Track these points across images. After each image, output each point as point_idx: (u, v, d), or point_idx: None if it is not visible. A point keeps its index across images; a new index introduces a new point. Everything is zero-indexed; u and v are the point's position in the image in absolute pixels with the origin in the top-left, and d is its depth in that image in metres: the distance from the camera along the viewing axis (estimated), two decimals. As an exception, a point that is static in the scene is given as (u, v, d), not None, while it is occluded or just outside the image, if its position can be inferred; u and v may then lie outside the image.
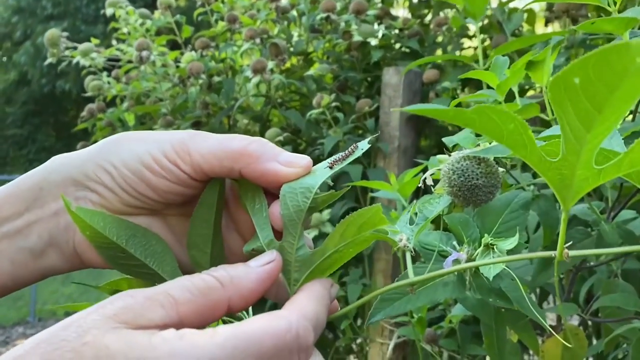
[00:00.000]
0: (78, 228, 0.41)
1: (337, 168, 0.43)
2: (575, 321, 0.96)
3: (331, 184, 0.43)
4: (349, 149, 0.45)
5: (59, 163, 0.44)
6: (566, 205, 0.40)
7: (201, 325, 0.34)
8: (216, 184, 0.44)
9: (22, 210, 0.43)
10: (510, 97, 0.70)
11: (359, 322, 1.45)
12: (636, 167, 0.38)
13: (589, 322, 1.01)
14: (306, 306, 0.36)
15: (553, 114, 0.64)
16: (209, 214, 0.43)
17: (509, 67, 0.66)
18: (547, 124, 0.72)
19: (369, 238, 0.42)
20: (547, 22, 1.53)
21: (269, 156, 0.41)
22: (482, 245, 0.51)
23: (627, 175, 0.44)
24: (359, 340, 1.52)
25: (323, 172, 0.43)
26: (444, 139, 0.60)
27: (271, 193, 0.43)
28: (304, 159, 0.42)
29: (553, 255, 0.43)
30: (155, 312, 0.33)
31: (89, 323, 0.31)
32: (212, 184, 0.44)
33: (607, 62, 0.29)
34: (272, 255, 0.39)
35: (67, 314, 5.25)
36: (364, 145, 0.45)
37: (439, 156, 0.53)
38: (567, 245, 0.43)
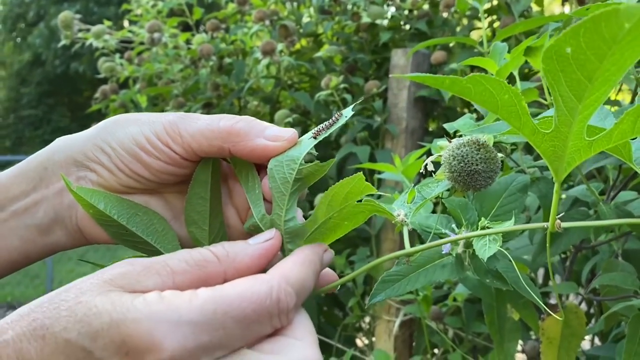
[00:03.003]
0: (82, 207, 0.43)
1: (321, 137, 0.44)
2: (578, 300, 0.98)
3: (315, 154, 0.44)
4: (333, 117, 0.45)
5: (62, 144, 0.46)
6: (558, 176, 0.41)
7: (193, 287, 0.36)
8: (209, 161, 0.45)
9: (29, 190, 0.45)
10: (512, 80, 0.71)
11: (366, 300, 1.48)
12: (626, 138, 0.39)
13: (594, 302, 1.03)
14: (290, 270, 0.37)
15: (551, 97, 0.65)
16: (204, 190, 0.45)
17: (509, 52, 0.67)
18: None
19: (365, 210, 0.43)
20: (565, 0, 1.51)
21: (255, 133, 0.43)
22: (479, 228, 0.53)
23: (616, 152, 0.45)
24: (367, 319, 1.55)
25: (307, 142, 0.44)
26: (444, 125, 0.62)
27: (265, 168, 0.44)
28: (289, 132, 0.43)
29: (545, 226, 0.45)
30: (151, 279, 0.34)
31: (87, 286, 0.33)
32: (205, 161, 0.45)
33: (597, 29, 0.29)
34: (271, 233, 0.41)
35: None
36: (348, 112, 0.45)
37: (440, 142, 0.55)
38: (559, 216, 0.44)
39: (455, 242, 0.53)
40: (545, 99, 0.70)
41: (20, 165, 0.46)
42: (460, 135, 0.59)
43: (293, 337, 0.36)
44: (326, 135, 0.45)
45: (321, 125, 0.45)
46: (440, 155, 0.53)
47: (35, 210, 0.45)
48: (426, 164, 0.55)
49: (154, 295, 0.33)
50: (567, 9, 1.48)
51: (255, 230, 0.44)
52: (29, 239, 0.46)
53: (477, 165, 0.50)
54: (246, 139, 0.43)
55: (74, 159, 0.45)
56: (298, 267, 0.38)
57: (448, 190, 0.53)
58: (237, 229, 0.48)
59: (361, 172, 0.40)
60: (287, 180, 0.42)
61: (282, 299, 0.35)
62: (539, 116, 0.51)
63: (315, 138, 0.44)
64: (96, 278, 0.34)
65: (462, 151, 0.51)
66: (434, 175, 0.55)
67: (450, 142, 0.53)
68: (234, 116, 0.44)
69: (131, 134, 0.44)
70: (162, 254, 0.44)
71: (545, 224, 0.44)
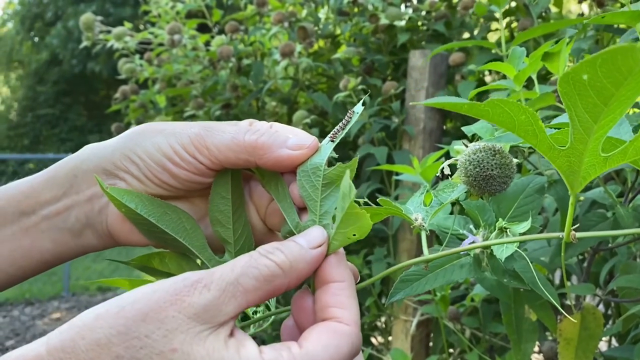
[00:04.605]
0: (114, 206, 0.45)
1: (338, 138, 0.46)
2: (595, 301, 0.98)
3: (336, 156, 0.45)
4: (346, 117, 0.46)
5: (90, 152, 0.48)
6: (574, 189, 0.43)
7: (261, 302, 0.39)
8: None
9: (59, 195, 0.47)
10: (531, 83, 0.72)
11: (383, 299, 1.49)
12: None
13: (612, 304, 1.03)
14: (356, 311, 0.40)
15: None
16: (225, 190, 0.47)
17: (528, 55, 0.68)
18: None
19: (381, 211, 0.45)
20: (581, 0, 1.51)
21: (279, 144, 0.44)
22: (497, 229, 0.54)
23: (633, 162, 0.46)
24: (383, 318, 1.56)
25: (327, 147, 0.45)
26: (463, 128, 0.63)
27: (290, 174, 0.46)
28: (309, 140, 0.44)
29: (560, 236, 0.46)
30: (230, 305, 0.36)
31: (171, 322, 0.34)
32: None
33: (614, 61, 0.31)
34: (323, 235, 0.41)
35: (100, 288, 5.39)
36: (358, 108, 0.47)
37: (456, 147, 0.56)
38: (574, 227, 0.45)
39: (472, 242, 0.54)
40: (562, 103, 0.70)
41: (48, 171, 0.48)
42: (478, 139, 0.60)
43: None
44: (343, 135, 0.46)
45: (336, 127, 0.46)
46: (456, 160, 0.55)
47: (67, 215, 0.47)
48: (443, 168, 0.56)
49: (257, 357, 0.35)
50: (585, 7, 1.48)
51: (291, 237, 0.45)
52: (61, 242, 0.47)
53: (492, 170, 0.51)
54: (270, 151, 0.44)
55: (104, 168, 0.46)
56: (356, 302, 0.40)
57: (464, 193, 0.55)
58: (257, 227, 0.49)
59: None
60: (316, 187, 0.44)
61: (358, 343, 0.38)
62: (554, 121, 0.52)
63: (332, 141, 0.45)
64: (177, 310, 0.34)
65: (478, 156, 0.52)
66: (450, 178, 0.56)
67: (467, 146, 0.54)
68: (257, 129, 0.45)
69: (158, 144, 0.45)
70: (190, 250, 0.46)
71: (560, 234, 0.45)
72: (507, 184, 0.52)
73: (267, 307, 0.52)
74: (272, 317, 0.51)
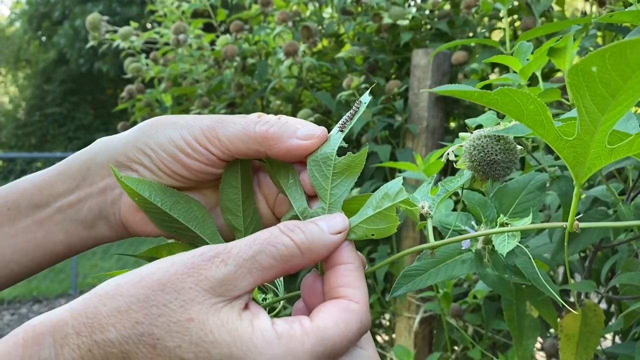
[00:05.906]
0: (128, 195, 0.46)
1: (347, 128, 0.46)
2: (597, 298, 0.98)
3: (346, 146, 0.46)
4: (354, 107, 0.47)
5: (102, 146, 0.49)
6: (579, 180, 0.43)
7: (276, 278, 0.40)
8: None
9: (72, 188, 0.48)
10: (534, 80, 0.72)
11: (386, 297, 1.49)
12: None
13: (613, 301, 1.03)
14: (365, 291, 0.41)
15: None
16: (235, 179, 0.48)
17: (532, 52, 0.69)
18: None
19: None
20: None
21: (289, 134, 0.45)
22: (498, 225, 0.54)
23: (638, 155, 0.47)
24: (387, 316, 1.57)
25: (336, 137, 0.46)
26: (466, 121, 0.63)
27: (300, 164, 0.47)
28: (318, 129, 0.46)
29: (564, 226, 0.47)
30: (245, 280, 0.37)
31: (188, 293, 0.35)
32: None
33: (622, 54, 0.32)
34: (345, 223, 0.43)
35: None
36: (365, 99, 0.48)
37: (461, 134, 0.57)
38: (578, 217, 0.46)
39: (474, 238, 0.55)
40: (567, 99, 0.71)
41: (61, 165, 0.49)
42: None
43: (360, 347, 0.40)
44: (351, 125, 0.47)
45: (344, 117, 0.47)
46: (461, 146, 0.55)
47: (80, 206, 0.48)
48: (448, 153, 0.57)
49: (271, 333, 0.36)
50: (588, 6, 1.48)
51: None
52: (74, 233, 0.49)
53: (496, 155, 0.52)
54: (280, 142, 0.45)
55: (116, 160, 0.47)
56: (364, 282, 0.41)
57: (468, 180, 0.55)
58: (266, 216, 0.50)
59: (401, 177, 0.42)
60: (326, 176, 0.45)
61: (366, 323, 0.39)
62: (562, 117, 0.53)
63: (342, 131, 0.46)
64: (194, 282, 0.36)
65: (482, 142, 0.53)
66: (455, 164, 0.56)
67: (472, 133, 0.55)
68: (267, 120, 0.46)
69: (170, 136, 0.46)
70: (201, 238, 0.48)
71: (564, 224, 0.46)
72: (511, 169, 0.53)
73: (275, 294, 0.53)
74: (276, 310, 0.52)
